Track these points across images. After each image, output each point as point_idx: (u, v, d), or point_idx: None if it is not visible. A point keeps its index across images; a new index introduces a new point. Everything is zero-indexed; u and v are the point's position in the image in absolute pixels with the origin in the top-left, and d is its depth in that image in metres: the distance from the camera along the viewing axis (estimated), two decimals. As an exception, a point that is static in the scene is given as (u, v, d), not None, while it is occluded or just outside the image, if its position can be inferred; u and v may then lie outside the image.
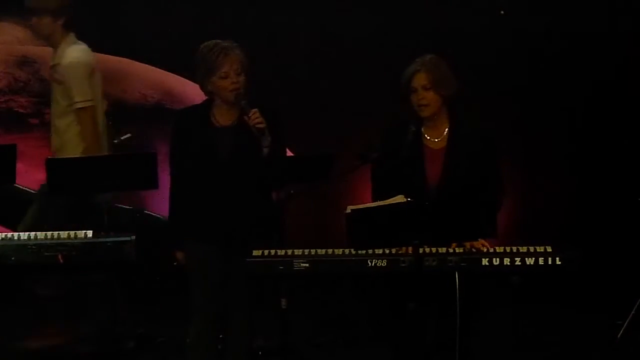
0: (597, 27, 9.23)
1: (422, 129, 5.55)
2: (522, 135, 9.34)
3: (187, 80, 9.30)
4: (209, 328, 5.59)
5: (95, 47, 9.28)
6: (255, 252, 5.35)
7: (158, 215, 8.49)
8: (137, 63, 9.35)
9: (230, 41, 5.49)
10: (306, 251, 5.31)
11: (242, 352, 5.66)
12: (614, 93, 9.26)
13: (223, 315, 5.62)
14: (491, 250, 5.25)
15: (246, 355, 5.69)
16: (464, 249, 5.25)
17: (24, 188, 8.23)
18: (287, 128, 5.63)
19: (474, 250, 5.24)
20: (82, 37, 9.38)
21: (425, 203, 5.10)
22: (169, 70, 9.20)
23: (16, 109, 9.51)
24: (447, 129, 5.56)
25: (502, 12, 9.36)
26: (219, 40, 5.48)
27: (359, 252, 5.23)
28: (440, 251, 5.23)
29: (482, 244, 5.27)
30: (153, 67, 9.37)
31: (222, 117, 5.52)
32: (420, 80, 5.45)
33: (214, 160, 5.46)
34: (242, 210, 5.50)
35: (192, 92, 9.20)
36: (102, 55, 9.45)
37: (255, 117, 5.38)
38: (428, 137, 5.56)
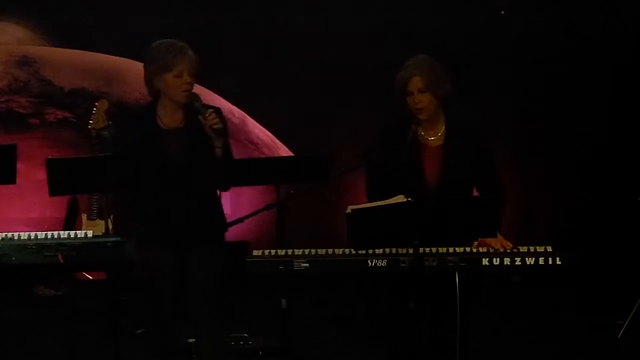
0: (598, 27, 9.24)
1: (419, 128, 5.55)
2: (522, 135, 9.35)
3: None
4: (170, 331, 5.54)
5: (95, 47, 9.33)
6: (256, 252, 5.35)
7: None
8: (137, 63, 9.34)
9: (183, 42, 5.47)
10: (306, 251, 5.31)
11: (217, 349, 5.60)
12: (614, 93, 9.27)
13: (189, 318, 5.55)
14: (501, 249, 5.23)
15: (222, 353, 5.65)
16: (470, 249, 5.23)
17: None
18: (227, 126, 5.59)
19: (481, 249, 5.22)
20: (82, 37, 9.43)
21: (425, 203, 5.10)
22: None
23: (16, 109, 9.52)
24: (443, 127, 5.56)
25: (502, 12, 9.36)
26: (174, 40, 5.44)
27: (359, 252, 5.23)
28: (440, 251, 5.23)
29: (496, 242, 5.25)
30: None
31: (168, 118, 5.46)
32: (415, 83, 5.44)
33: (165, 162, 5.40)
34: (195, 210, 5.46)
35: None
36: (102, 55, 9.49)
37: (212, 118, 5.34)
38: (425, 136, 5.55)
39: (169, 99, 5.42)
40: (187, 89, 5.38)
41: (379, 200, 5.16)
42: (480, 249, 5.23)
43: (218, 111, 5.43)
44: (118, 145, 5.56)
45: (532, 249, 5.22)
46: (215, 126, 5.34)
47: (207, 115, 5.34)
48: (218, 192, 5.80)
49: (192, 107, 5.39)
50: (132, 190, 5.48)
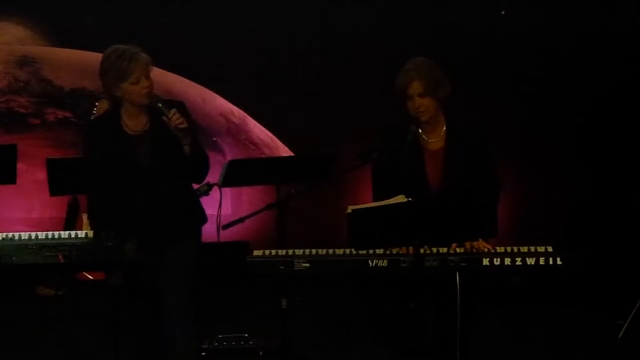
0: (598, 27, 9.24)
1: (420, 131, 5.55)
2: (522, 135, 9.35)
3: (187, 80, 9.31)
4: (152, 338, 5.52)
5: (95, 47, 9.31)
6: (256, 252, 5.35)
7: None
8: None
9: (133, 45, 5.41)
10: (306, 251, 5.31)
11: (188, 349, 5.57)
12: (614, 93, 9.27)
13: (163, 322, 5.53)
14: (492, 250, 5.25)
15: (193, 353, 5.62)
16: (464, 249, 5.25)
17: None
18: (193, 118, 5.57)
19: (474, 250, 5.25)
20: (82, 37, 9.42)
21: (426, 204, 5.11)
22: (169, 70, 9.21)
23: (17, 109, 9.51)
24: (444, 129, 5.56)
25: (502, 12, 9.36)
26: (126, 46, 5.39)
27: (360, 252, 5.23)
28: (441, 251, 5.23)
29: (484, 245, 5.27)
30: (153, 67, 9.37)
31: (133, 123, 5.44)
32: (415, 88, 5.44)
33: (134, 168, 5.38)
34: (169, 211, 5.44)
35: (192, 92, 9.22)
36: (103, 55, 9.48)
37: (176, 118, 5.30)
38: (426, 138, 5.56)
39: (131, 104, 5.40)
40: (147, 92, 5.35)
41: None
42: (459, 250, 5.25)
43: (182, 106, 5.41)
44: (85, 152, 5.53)
45: (532, 249, 5.22)
46: (180, 126, 5.32)
47: (170, 115, 5.32)
48: (205, 190, 5.78)
49: (155, 109, 5.37)
50: (100, 195, 5.47)
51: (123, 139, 5.40)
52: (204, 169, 5.53)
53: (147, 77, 5.36)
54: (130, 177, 5.38)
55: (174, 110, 5.32)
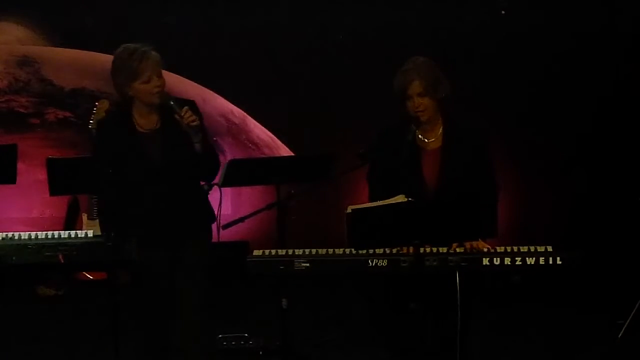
0: (598, 27, 9.24)
1: (417, 131, 5.55)
2: (522, 135, 9.35)
3: (187, 80, 9.31)
4: (159, 338, 5.52)
5: (95, 47, 9.34)
6: (256, 252, 5.35)
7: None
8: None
9: (144, 44, 5.40)
10: (306, 251, 5.31)
11: (204, 348, 5.57)
12: (614, 93, 9.27)
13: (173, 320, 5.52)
14: (492, 250, 5.25)
15: (209, 352, 5.63)
16: (464, 249, 5.25)
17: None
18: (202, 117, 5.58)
19: (474, 250, 5.25)
20: (82, 37, 9.43)
21: (426, 203, 5.11)
22: (169, 70, 9.20)
23: (17, 109, 9.52)
24: (441, 129, 5.56)
25: (502, 12, 9.37)
26: (136, 45, 5.39)
27: (359, 252, 5.23)
28: (441, 251, 5.23)
29: (483, 245, 5.28)
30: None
31: (144, 121, 5.44)
32: (414, 88, 5.44)
33: (146, 166, 5.39)
34: (180, 209, 5.44)
35: (192, 92, 9.22)
36: (103, 55, 9.48)
37: (188, 116, 5.32)
38: (423, 138, 5.56)
39: (143, 103, 5.40)
40: (159, 91, 5.35)
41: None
42: (459, 250, 5.25)
43: (193, 105, 5.42)
44: (97, 151, 5.54)
45: (532, 249, 5.22)
46: (192, 123, 5.33)
47: (182, 113, 5.33)
48: (206, 189, 5.79)
49: (167, 107, 5.37)
50: (112, 193, 5.47)
51: (135, 137, 5.41)
52: (215, 166, 5.55)
53: (159, 76, 5.36)
54: (142, 175, 5.39)
55: (186, 107, 5.34)
